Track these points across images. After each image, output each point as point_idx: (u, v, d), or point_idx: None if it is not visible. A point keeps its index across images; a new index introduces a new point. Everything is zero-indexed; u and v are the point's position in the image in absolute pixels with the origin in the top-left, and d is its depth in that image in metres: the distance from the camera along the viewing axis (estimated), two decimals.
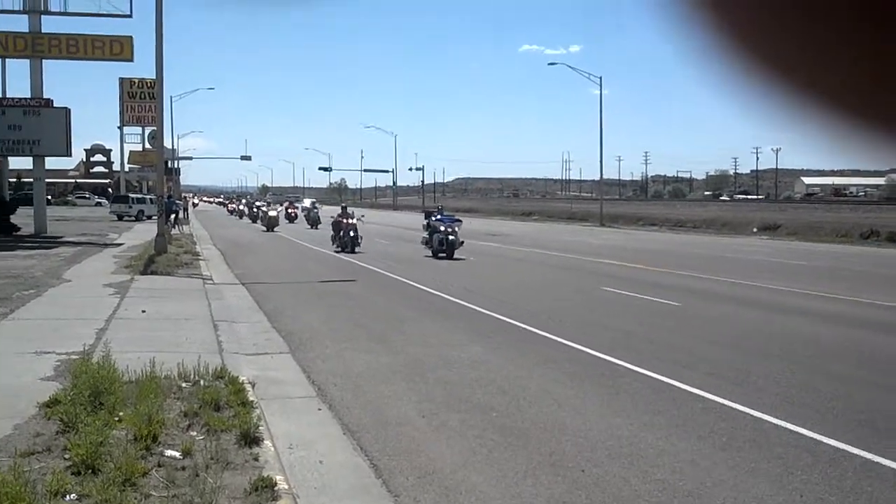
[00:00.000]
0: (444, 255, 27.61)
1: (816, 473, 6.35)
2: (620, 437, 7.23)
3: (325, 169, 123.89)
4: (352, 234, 29.91)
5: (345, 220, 30.51)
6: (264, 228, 49.46)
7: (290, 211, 63.63)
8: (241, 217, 74.46)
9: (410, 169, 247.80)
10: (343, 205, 34.74)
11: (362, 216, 32.05)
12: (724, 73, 0.88)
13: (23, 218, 36.62)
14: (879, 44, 0.80)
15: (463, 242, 28.20)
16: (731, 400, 8.49)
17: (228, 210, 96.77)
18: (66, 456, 5.86)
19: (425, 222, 29.64)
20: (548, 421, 7.77)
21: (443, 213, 29.40)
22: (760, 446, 7.02)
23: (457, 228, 28.16)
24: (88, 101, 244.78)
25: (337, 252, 30.07)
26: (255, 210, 62.95)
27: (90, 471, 5.57)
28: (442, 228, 27.81)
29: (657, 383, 9.33)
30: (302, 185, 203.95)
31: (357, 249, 29.56)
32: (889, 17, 0.79)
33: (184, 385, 8.23)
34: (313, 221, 52.64)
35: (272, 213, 50.56)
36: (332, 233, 32.01)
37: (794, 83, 0.86)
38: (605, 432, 7.38)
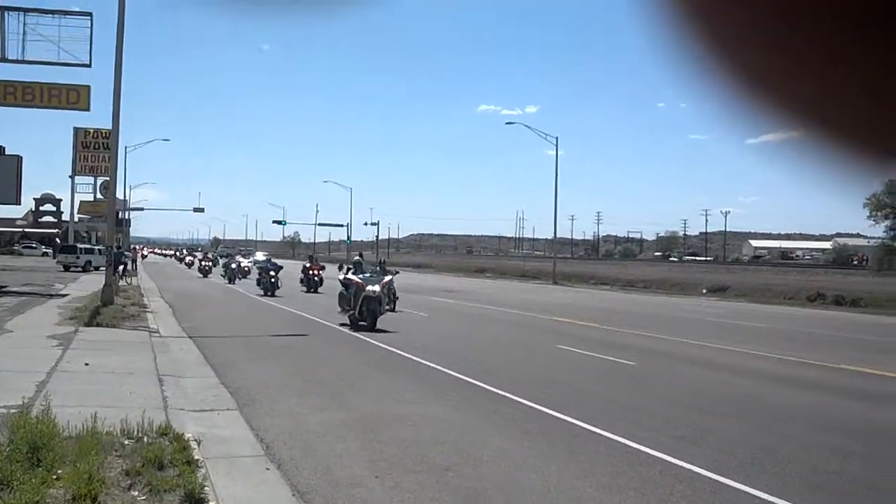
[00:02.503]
0: None
1: None
2: (581, 499, 7.06)
3: (279, 222, 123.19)
4: None
5: None
6: (347, 322, 22.24)
7: (312, 272, 41.03)
8: (231, 281, 48.21)
9: (365, 224, 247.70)
10: None
11: None
12: (726, 106, 0.87)
13: None
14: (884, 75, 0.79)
15: None
16: (689, 462, 8.37)
17: (200, 269, 62.21)
18: None
19: None
20: (505, 482, 7.56)
21: None
22: None
23: None
24: (40, 149, 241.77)
25: None
26: (270, 275, 37.16)
27: None
28: None
29: (615, 444, 9.18)
30: (255, 239, 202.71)
31: None
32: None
33: (126, 442, 7.88)
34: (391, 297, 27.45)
35: (373, 289, 21.90)
36: None
37: (799, 114, 0.85)
38: (564, 493, 7.19)
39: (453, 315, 29.41)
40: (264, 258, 45.19)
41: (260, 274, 38.58)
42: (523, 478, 7.72)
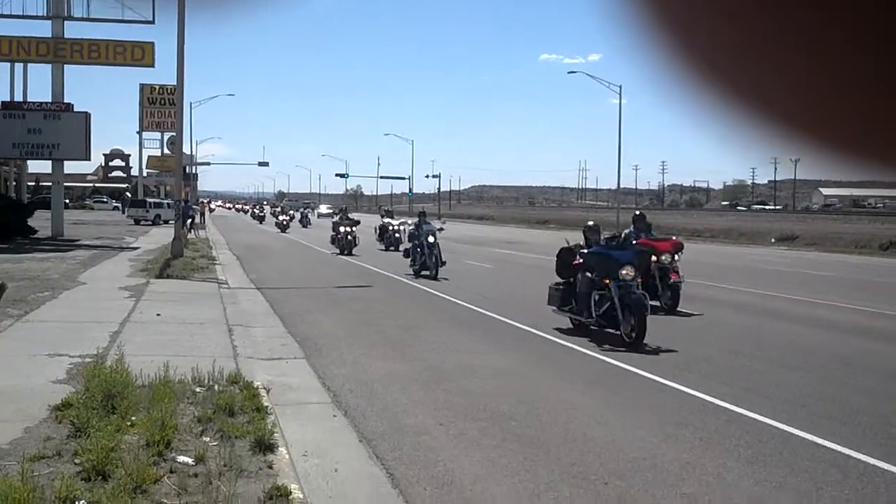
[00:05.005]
0: None
1: (847, 490, 6.13)
2: (644, 448, 7.03)
3: (342, 175, 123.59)
4: None
5: None
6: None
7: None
8: (416, 262, 23.29)
9: (427, 176, 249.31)
10: None
11: None
12: (702, 106, 0.87)
13: (40, 221, 36.75)
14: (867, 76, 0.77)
15: None
16: (756, 412, 8.27)
17: (337, 239, 33.30)
18: (77, 461, 5.72)
19: None
20: (568, 431, 7.58)
21: None
22: (788, 461, 6.80)
23: None
24: (108, 106, 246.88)
25: None
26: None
27: (100, 477, 5.43)
28: None
29: (680, 394, 9.12)
30: (318, 192, 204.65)
31: None
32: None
33: (198, 390, 8.10)
34: None
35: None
36: None
37: (774, 115, 0.85)
38: (628, 444, 7.18)
39: (516, 266, 29.38)
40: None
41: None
42: (587, 427, 7.72)
